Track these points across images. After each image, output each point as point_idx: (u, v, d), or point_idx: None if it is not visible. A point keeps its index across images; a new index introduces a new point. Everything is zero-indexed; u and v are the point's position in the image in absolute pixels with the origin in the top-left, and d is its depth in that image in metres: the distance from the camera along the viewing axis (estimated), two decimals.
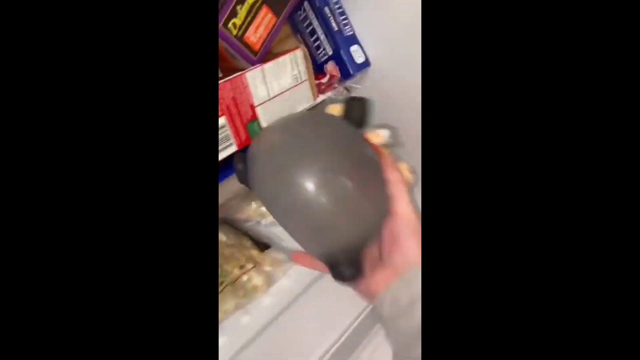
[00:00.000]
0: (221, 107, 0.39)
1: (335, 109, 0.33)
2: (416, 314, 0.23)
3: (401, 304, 0.23)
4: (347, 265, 0.25)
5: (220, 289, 0.47)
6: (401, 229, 0.25)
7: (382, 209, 0.26)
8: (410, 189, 0.29)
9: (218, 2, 0.39)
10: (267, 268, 0.51)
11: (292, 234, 0.28)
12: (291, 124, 0.30)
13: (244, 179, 0.29)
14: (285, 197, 0.26)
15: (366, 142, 0.28)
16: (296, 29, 0.54)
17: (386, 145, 0.31)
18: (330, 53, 0.52)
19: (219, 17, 0.39)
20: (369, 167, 0.27)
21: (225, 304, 0.47)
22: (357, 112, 0.30)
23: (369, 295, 0.26)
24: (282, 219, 0.28)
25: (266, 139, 0.29)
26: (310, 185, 0.24)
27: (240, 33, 0.40)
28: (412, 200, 0.27)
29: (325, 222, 0.25)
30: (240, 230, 0.55)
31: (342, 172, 0.25)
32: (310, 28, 0.52)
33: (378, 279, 0.26)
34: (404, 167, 0.32)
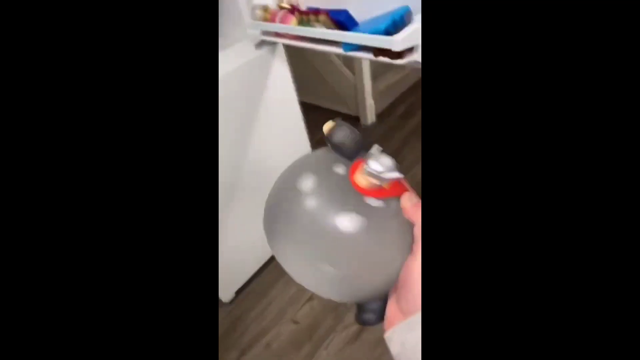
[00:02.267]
0: None
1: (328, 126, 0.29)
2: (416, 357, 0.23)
3: (407, 347, 0.24)
4: (371, 312, 0.28)
5: None
6: (413, 276, 0.25)
7: (404, 254, 0.26)
8: None
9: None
10: None
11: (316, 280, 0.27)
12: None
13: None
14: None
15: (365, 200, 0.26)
16: None
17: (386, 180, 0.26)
18: None
19: None
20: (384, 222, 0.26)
21: None
22: (349, 141, 0.27)
23: (384, 326, 0.28)
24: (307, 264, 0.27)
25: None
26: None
27: None
28: None
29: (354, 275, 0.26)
30: None
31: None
32: None
33: (390, 317, 0.27)
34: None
